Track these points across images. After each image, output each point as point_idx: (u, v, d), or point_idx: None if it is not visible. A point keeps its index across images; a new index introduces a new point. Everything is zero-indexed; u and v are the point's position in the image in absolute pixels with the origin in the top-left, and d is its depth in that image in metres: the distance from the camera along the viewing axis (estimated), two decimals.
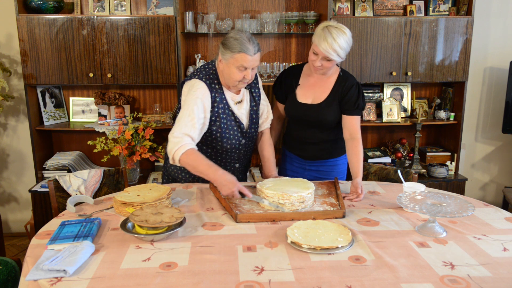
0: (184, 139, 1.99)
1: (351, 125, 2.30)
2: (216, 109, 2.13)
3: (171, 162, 2.04)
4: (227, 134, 2.19)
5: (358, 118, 2.32)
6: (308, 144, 2.42)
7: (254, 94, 2.30)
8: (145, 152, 3.18)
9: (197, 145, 2.13)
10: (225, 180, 1.92)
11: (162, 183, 2.45)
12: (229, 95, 2.19)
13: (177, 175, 2.34)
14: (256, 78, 2.32)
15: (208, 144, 2.22)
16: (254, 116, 2.28)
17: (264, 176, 2.37)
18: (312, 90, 2.35)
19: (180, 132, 2.01)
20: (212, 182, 2.03)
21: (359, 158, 2.23)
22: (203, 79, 2.12)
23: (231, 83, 2.12)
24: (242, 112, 2.23)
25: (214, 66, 2.19)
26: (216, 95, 2.13)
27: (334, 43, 2.11)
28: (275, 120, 2.49)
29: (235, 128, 2.20)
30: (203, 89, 2.10)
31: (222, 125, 2.16)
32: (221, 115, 2.15)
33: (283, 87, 2.43)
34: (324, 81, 2.35)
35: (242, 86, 2.14)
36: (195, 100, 2.06)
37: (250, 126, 2.27)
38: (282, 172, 2.56)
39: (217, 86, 2.14)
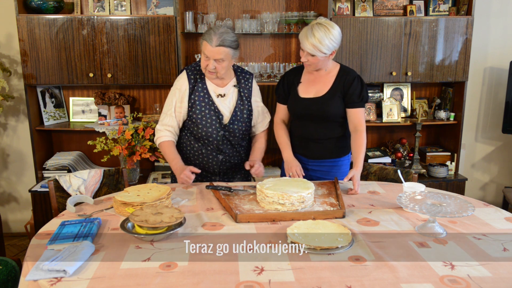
0: (162, 132, 2.36)
1: (356, 117, 2.34)
2: (193, 96, 2.32)
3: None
4: (203, 121, 2.33)
5: (362, 110, 2.37)
6: (311, 142, 2.43)
7: (242, 94, 2.40)
8: (145, 152, 3.18)
9: (181, 130, 2.43)
10: (176, 169, 2.28)
11: (172, 181, 2.60)
12: (212, 87, 2.35)
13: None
14: (249, 80, 2.44)
15: (188, 129, 2.40)
16: (239, 113, 2.37)
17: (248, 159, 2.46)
18: (314, 85, 2.39)
19: (160, 124, 2.37)
20: (176, 175, 2.29)
21: (360, 150, 2.29)
22: (187, 70, 2.37)
23: (201, 73, 2.33)
24: (224, 106, 2.36)
25: None
26: (195, 83, 2.33)
27: (315, 41, 2.17)
28: (280, 123, 2.54)
29: (213, 117, 2.33)
30: (182, 79, 2.36)
31: (198, 111, 2.32)
32: (198, 102, 2.32)
33: (285, 87, 2.47)
34: (324, 77, 2.38)
35: (210, 76, 2.29)
36: (174, 91, 2.37)
37: (232, 121, 2.36)
38: (284, 172, 2.56)
39: (197, 76, 2.34)
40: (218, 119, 2.34)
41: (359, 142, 2.30)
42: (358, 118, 2.35)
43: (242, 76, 2.43)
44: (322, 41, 2.17)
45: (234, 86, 2.39)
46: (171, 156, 2.32)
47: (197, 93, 2.33)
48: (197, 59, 3.49)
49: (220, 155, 2.40)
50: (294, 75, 2.45)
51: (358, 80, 2.35)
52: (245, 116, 2.40)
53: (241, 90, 2.40)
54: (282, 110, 2.52)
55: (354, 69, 3.34)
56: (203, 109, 2.32)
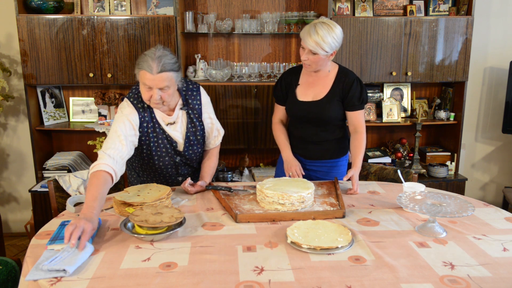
0: (102, 159, 1.86)
1: (356, 119, 2.35)
2: (145, 129, 2.10)
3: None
4: (159, 152, 2.16)
5: (362, 112, 2.38)
6: (310, 143, 2.42)
7: (192, 116, 2.20)
8: None
9: (133, 165, 2.26)
10: (81, 218, 1.61)
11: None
12: (159, 115, 2.14)
13: (132, 182, 2.41)
14: (197, 96, 2.22)
15: (143, 163, 2.23)
16: (191, 138, 2.21)
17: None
18: (312, 88, 2.37)
19: (103, 151, 1.91)
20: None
21: (360, 150, 2.30)
22: (130, 99, 2.10)
23: (145, 102, 2.06)
24: (176, 134, 2.18)
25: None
26: (145, 114, 2.10)
27: (317, 37, 2.15)
28: (279, 123, 2.51)
29: (167, 146, 2.16)
30: (130, 108, 2.07)
31: (152, 144, 2.14)
32: (151, 134, 2.12)
33: (283, 88, 2.44)
34: (323, 79, 2.36)
35: (156, 106, 2.04)
36: (122, 118, 2.03)
37: (187, 147, 2.21)
38: (281, 171, 2.54)
39: (145, 105, 2.10)
40: (172, 147, 2.18)
41: (359, 143, 2.31)
42: (358, 120, 2.35)
43: (188, 95, 2.19)
44: (325, 38, 2.15)
45: (181, 108, 2.18)
46: (91, 195, 1.72)
47: (145, 124, 2.10)
48: (197, 59, 3.50)
49: (179, 177, 2.30)
50: (292, 76, 2.43)
51: (357, 82, 2.34)
52: (199, 137, 2.24)
53: (190, 112, 2.19)
54: (280, 110, 2.51)
55: (354, 69, 3.37)
56: (155, 139, 2.13)
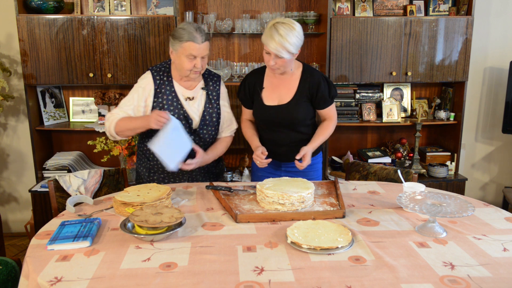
0: (112, 115, 2.20)
1: (327, 114, 2.38)
2: (160, 99, 2.22)
3: (110, 138, 2.26)
4: None
5: (333, 105, 2.38)
6: (282, 146, 2.37)
7: (210, 97, 2.31)
8: None
9: (145, 149, 2.33)
10: (150, 116, 2.08)
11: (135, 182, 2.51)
12: (180, 90, 2.26)
13: (139, 170, 2.43)
14: (217, 83, 2.35)
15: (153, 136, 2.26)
16: (208, 117, 2.29)
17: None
18: (278, 91, 2.31)
19: (111, 112, 2.21)
20: (148, 125, 2.10)
21: (322, 132, 2.33)
22: (152, 70, 2.26)
23: (183, 73, 2.19)
24: (193, 110, 2.27)
25: (170, 61, 2.30)
26: (162, 86, 2.22)
27: (282, 39, 2.08)
28: (247, 121, 2.48)
29: (183, 122, 2.22)
30: (147, 79, 2.23)
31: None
32: (166, 106, 2.22)
33: (247, 92, 2.38)
34: (288, 80, 2.30)
35: (194, 75, 2.20)
36: (137, 88, 2.23)
37: (202, 126, 2.28)
38: (257, 174, 2.50)
39: (165, 78, 2.24)
40: (188, 124, 2.25)
41: (325, 126, 2.35)
42: (329, 113, 2.38)
43: (210, 79, 2.34)
44: (289, 39, 2.08)
45: (202, 88, 2.30)
46: (136, 119, 2.17)
47: (164, 96, 2.22)
48: None
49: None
50: (256, 79, 2.35)
51: (324, 81, 2.29)
52: (214, 120, 2.32)
53: (209, 92, 2.31)
54: (247, 112, 2.45)
55: (354, 69, 3.38)
56: (171, 113, 2.20)
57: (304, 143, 2.31)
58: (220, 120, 2.35)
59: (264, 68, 2.37)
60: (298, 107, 2.28)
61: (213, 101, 2.31)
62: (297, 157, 2.19)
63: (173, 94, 2.23)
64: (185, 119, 2.24)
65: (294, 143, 2.35)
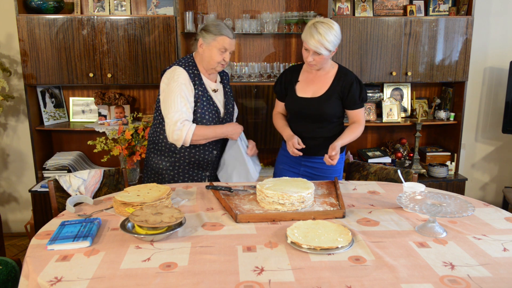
0: (186, 124, 2.23)
1: (356, 116, 2.43)
2: (196, 91, 2.31)
3: (177, 145, 2.27)
4: (207, 116, 2.35)
5: (362, 109, 2.44)
6: (307, 139, 2.43)
7: (226, 89, 2.51)
8: (145, 152, 3.18)
9: (168, 145, 2.38)
10: (231, 127, 2.38)
11: (144, 179, 2.53)
12: (207, 82, 2.39)
13: (158, 165, 2.43)
14: (227, 78, 2.57)
15: None
16: (229, 106, 2.48)
17: None
18: (312, 85, 2.42)
19: (180, 119, 2.22)
20: (229, 136, 2.39)
21: (351, 131, 2.37)
22: (181, 65, 2.32)
23: (211, 65, 2.33)
24: (219, 101, 2.43)
25: (192, 56, 2.40)
26: (196, 79, 2.32)
27: (321, 37, 2.21)
28: (278, 113, 2.60)
29: (213, 112, 2.37)
30: (184, 74, 2.29)
31: (202, 107, 2.33)
32: (201, 98, 2.33)
33: (283, 84, 2.51)
34: (323, 77, 2.41)
35: (220, 68, 2.35)
36: (180, 86, 2.25)
37: (226, 115, 2.46)
38: (278, 168, 2.61)
39: (196, 72, 2.34)
40: (217, 114, 2.40)
41: (353, 128, 2.40)
42: (358, 116, 2.43)
43: (223, 74, 2.53)
44: (327, 37, 2.21)
45: (220, 82, 2.49)
46: (214, 127, 2.35)
47: (200, 88, 2.34)
48: None
49: (215, 151, 2.44)
50: (292, 73, 2.48)
51: (356, 82, 2.38)
52: (231, 110, 2.50)
53: (225, 86, 2.51)
54: (280, 105, 2.57)
55: (354, 69, 3.37)
56: (204, 103, 2.34)
57: (329, 140, 2.39)
58: (234, 110, 2.56)
59: (301, 64, 2.49)
60: (329, 102, 2.37)
61: (229, 92, 2.52)
62: (332, 152, 2.22)
63: (203, 86, 2.35)
64: (215, 110, 2.38)
65: (319, 138, 2.44)
